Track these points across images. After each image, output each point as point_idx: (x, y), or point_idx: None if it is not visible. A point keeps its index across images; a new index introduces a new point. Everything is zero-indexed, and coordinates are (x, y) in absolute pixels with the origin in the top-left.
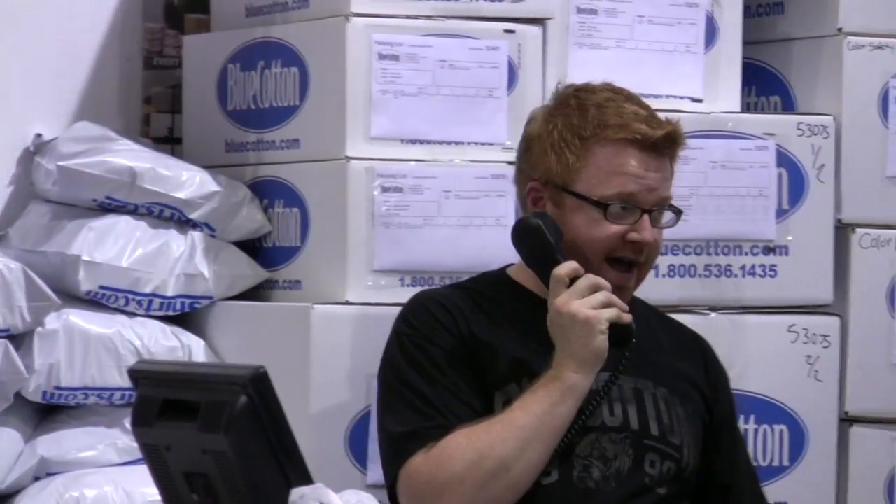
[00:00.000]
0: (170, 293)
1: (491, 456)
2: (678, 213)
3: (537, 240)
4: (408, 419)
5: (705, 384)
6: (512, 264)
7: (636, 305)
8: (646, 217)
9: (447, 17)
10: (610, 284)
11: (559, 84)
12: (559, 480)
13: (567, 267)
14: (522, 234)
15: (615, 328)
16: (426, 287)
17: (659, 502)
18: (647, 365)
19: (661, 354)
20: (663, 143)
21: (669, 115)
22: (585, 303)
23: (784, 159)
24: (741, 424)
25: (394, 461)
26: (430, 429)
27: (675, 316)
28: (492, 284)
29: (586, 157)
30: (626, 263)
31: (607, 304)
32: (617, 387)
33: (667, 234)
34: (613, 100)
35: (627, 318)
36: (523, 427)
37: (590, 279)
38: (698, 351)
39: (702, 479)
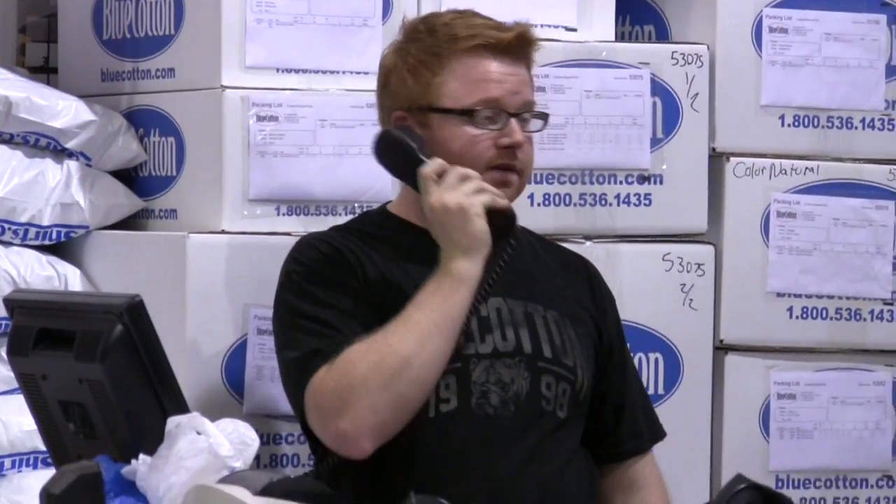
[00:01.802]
0: (45, 222)
1: (391, 354)
2: (544, 117)
3: (398, 148)
4: (307, 342)
5: (592, 306)
6: (391, 201)
7: (520, 232)
8: (513, 120)
9: None
10: (478, 174)
11: (404, 19)
12: (458, 408)
13: (433, 164)
14: (383, 148)
15: (495, 216)
16: (301, 216)
17: (559, 426)
18: (536, 289)
19: (549, 278)
20: (517, 44)
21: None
22: (457, 192)
23: (658, 88)
24: None
25: (298, 382)
26: (331, 345)
27: None
28: (374, 223)
29: (444, 72)
30: (503, 169)
31: (480, 191)
32: (508, 311)
33: (541, 162)
34: (461, 17)
35: (503, 202)
36: (419, 322)
37: (458, 170)
38: (584, 274)
39: (595, 399)
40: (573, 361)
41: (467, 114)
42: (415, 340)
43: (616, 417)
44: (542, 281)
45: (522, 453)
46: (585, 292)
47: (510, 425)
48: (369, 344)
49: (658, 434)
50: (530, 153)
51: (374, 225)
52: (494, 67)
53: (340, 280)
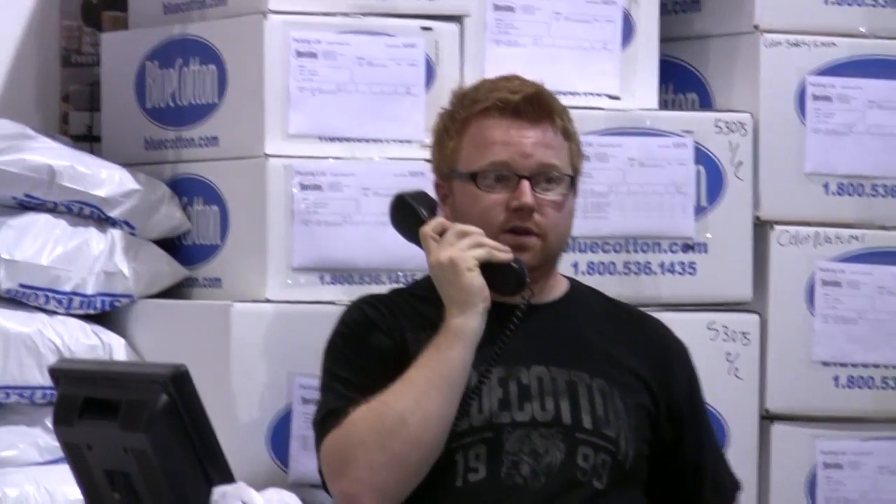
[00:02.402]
0: (90, 291)
1: (387, 413)
2: (563, 179)
3: (405, 211)
4: (328, 403)
5: (652, 374)
6: None
7: (582, 294)
8: (524, 182)
9: (364, 15)
10: (482, 231)
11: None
12: (487, 478)
13: (432, 223)
14: (392, 213)
15: (502, 271)
16: (345, 285)
17: (595, 496)
18: (584, 356)
19: (601, 344)
20: (526, 105)
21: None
22: (452, 249)
23: (702, 156)
24: None
25: (316, 445)
26: (345, 406)
27: None
28: (428, 286)
29: (461, 137)
30: (517, 232)
31: (475, 246)
32: (550, 379)
33: (585, 230)
34: (492, 80)
35: (503, 255)
36: (414, 380)
37: (455, 227)
38: (647, 338)
39: (673, 465)
40: (616, 432)
41: (476, 177)
42: (410, 398)
43: (697, 479)
44: (593, 348)
45: None
46: (645, 359)
47: (540, 496)
48: (370, 404)
49: (737, 484)
50: (554, 216)
51: (427, 288)
52: (503, 129)
53: (376, 343)
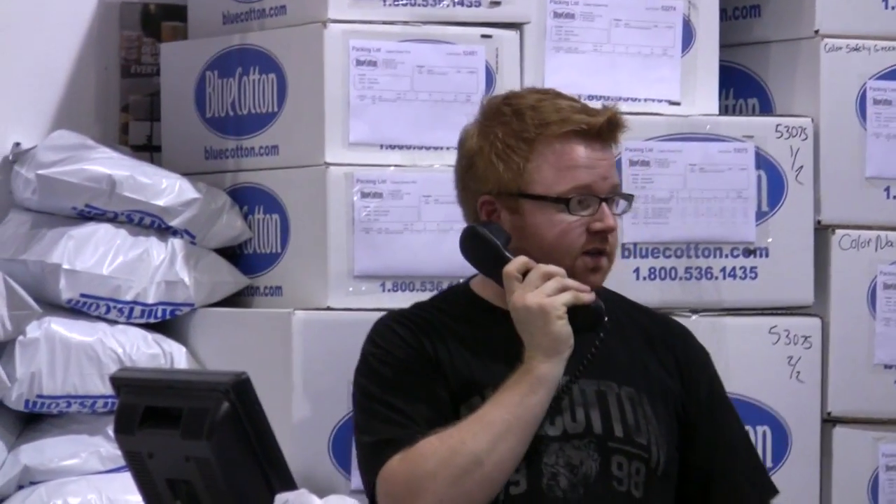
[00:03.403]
0: (151, 300)
1: (462, 451)
2: (629, 198)
3: (483, 244)
4: (380, 429)
5: (676, 376)
6: (476, 275)
7: (608, 301)
8: (604, 205)
9: (424, 23)
10: (563, 270)
11: (483, 99)
12: (528, 490)
13: (516, 262)
14: (467, 243)
15: (581, 311)
16: (407, 292)
17: None
18: (612, 365)
19: (628, 352)
20: (607, 129)
21: (606, 102)
22: (539, 293)
23: (763, 161)
24: None
25: (371, 469)
26: (404, 435)
27: None
28: (457, 302)
29: (535, 158)
30: (595, 254)
31: (562, 290)
32: (580, 391)
33: (646, 236)
34: (545, 99)
35: (587, 297)
36: (493, 421)
37: (540, 269)
38: (668, 342)
39: (684, 469)
40: (647, 439)
41: (562, 202)
42: (488, 439)
43: (704, 486)
44: (621, 356)
45: None
46: (670, 364)
47: None
48: (442, 439)
49: (767, 492)
50: (617, 236)
51: (457, 305)
52: (585, 153)
53: (412, 364)
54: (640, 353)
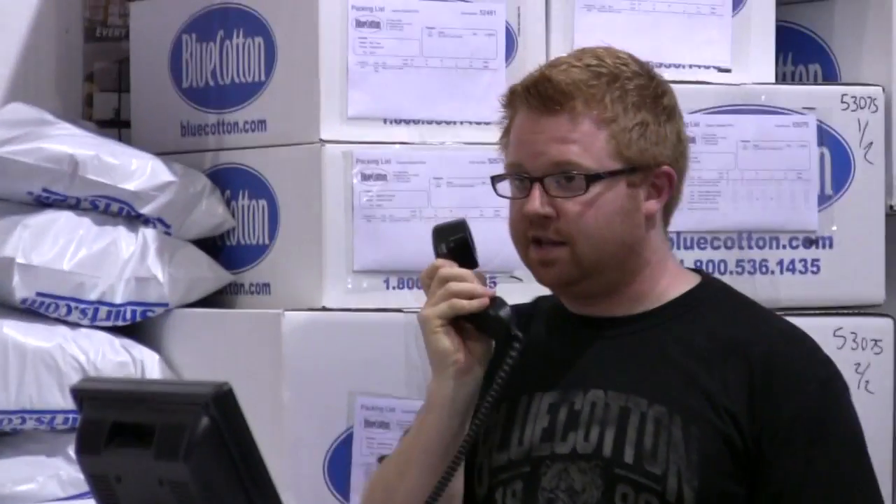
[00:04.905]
0: (118, 300)
1: (380, 479)
2: (569, 178)
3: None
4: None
5: (741, 394)
6: None
7: (697, 301)
8: (535, 187)
9: None
10: (463, 272)
11: None
12: None
13: (427, 268)
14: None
15: (491, 321)
16: (414, 290)
17: None
18: (652, 378)
19: (676, 364)
20: (536, 95)
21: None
22: (426, 303)
23: (826, 137)
24: None
25: None
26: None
27: None
28: (548, 296)
29: (510, 134)
30: (538, 243)
31: (443, 299)
32: (604, 406)
33: (691, 224)
34: (556, 58)
35: (471, 305)
36: (401, 449)
37: (439, 274)
38: (748, 352)
39: None
40: (663, 469)
41: (492, 183)
42: (395, 468)
43: None
44: (663, 368)
45: None
46: (736, 384)
47: None
48: (382, 463)
49: None
50: (580, 220)
51: (547, 300)
52: (526, 125)
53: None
54: (696, 367)
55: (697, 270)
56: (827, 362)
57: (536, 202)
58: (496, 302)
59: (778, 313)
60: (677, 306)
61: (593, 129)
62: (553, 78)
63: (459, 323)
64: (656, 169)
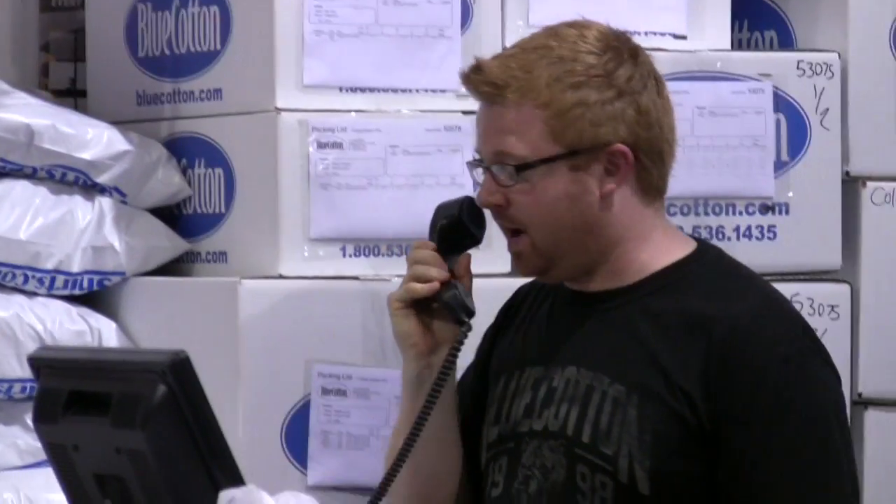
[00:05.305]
0: (75, 269)
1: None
2: (518, 167)
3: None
4: None
5: (697, 373)
6: None
7: (680, 274)
8: (486, 176)
9: None
10: (427, 255)
11: None
12: (502, 494)
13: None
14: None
15: (441, 301)
16: (370, 258)
17: None
18: (619, 356)
19: (644, 341)
20: (471, 85)
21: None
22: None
23: (782, 104)
24: None
25: None
26: None
27: None
28: None
29: None
30: (510, 234)
31: (407, 280)
32: (574, 383)
33: None
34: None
35: (421, 288)
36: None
37: (411, 254)
38: (705, 339)
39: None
40: (615, 449)
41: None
42: (391, 445)
43: None
44: (630, 346)
45: None
46: (695, 362)
47: None
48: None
49: None
50: (527, 208)
51: None
52: (478, 112)
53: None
54: (659, 345)
55: (697, 239)
56: (796, 338)
57: (484, 191)
58: (448, 286)
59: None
60: (657, 280)
61: (530, 116)
62: (485, 68)
63: (429, 304)
64: (606, 149)
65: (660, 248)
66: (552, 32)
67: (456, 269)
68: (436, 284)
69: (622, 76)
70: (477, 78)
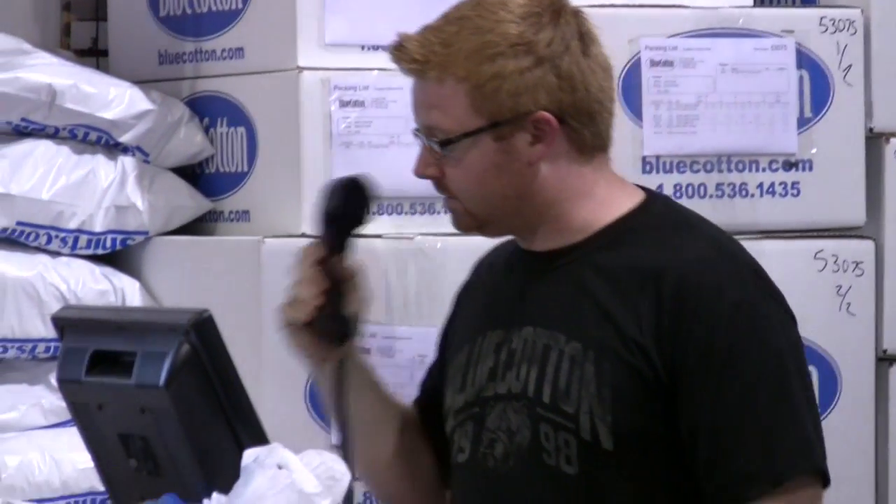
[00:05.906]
0: (98, 228)
1: None
2: (442, 142)
3: None
4: None
5: (650, 327)
6: None
7: (628, 228)
8: (422, 148)
9: None
10: (305, 277)
11: None
12: (468, 459)
13: None
14: None
15: (317, 329)
16: (394, 216)
17: (570, 485)
18: (572, 313)
19: (596, 297)
20: (397, 62)
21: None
22: None
23: (805, 60)
24: None
25: None
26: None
27: None
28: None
29: None
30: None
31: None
32: (532, 343)
33: (670, 148)
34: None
35: (295, 317)
36: None
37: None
38: (656, 291)
39: (685, 436)
40: (575, 407)
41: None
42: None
43: (695, 456)
44: (582, 303)
45: None
46: (647, 315)
47: (508, 481)
48: None
49: (764, 475)
50: (457, 178)
51: (511, 243)
52: (412, 85)
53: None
54: (613, 301)
55: (645, 189)
56: (747, 284)
57: (421, 163)
58: (322, 307)
59: (759, 236)
60: (605, 235)
61: (452, 90)
62: (406, 45)
63: None
64: (529, 118)
65: (604, 204)
66: (476, 1)
67: (341, 271)
68: (310, 309)
69: (542, 41)
70: (399, 55)
